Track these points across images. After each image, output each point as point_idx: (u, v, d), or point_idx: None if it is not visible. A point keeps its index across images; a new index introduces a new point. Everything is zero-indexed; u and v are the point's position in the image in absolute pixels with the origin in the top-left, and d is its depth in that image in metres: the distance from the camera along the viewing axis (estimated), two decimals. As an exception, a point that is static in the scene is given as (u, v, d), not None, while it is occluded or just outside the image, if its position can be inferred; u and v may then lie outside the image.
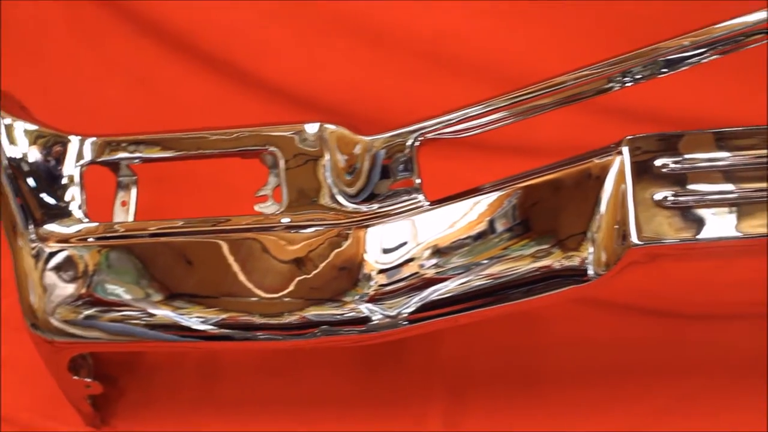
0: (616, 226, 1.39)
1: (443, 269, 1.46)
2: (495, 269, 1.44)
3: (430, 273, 1.47)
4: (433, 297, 1.46)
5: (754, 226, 1.38)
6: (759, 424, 1.65)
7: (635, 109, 1.87)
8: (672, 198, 1.38)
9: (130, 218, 1.57)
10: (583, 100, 1.48)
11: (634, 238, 1.37)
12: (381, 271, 1.47)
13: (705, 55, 1.43)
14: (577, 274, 1.42)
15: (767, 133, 1.40)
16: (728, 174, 1.40)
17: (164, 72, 2.02)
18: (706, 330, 1.76)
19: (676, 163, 1.39)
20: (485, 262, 1.45)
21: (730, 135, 1.40)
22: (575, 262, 1.41)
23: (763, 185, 1.38)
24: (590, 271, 1.41)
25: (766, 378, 1.68)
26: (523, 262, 1.44)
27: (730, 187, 1.39)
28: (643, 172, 1.39)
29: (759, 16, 1.39)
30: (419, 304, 1.46)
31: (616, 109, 1.84)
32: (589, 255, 1.41)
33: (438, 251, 1.47)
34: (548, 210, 1.44)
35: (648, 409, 1.68)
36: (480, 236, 1.46)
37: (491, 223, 1.46)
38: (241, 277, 1.49)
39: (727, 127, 1.41)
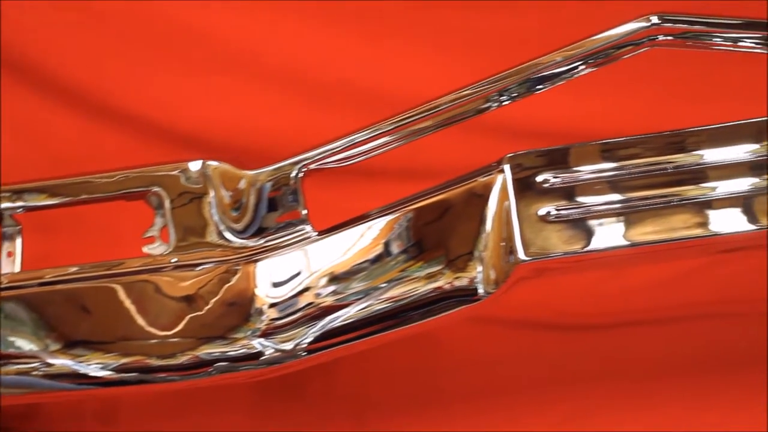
0: (503, 244, 1.40)
1: (342, 296, 1.46)
2: (393, 292, 1.44)
3: (329, 301, 1.46)
4: (334, 324, 1.45)
5: (642, 234, 1.40)
6: (662, 427, 1.67)
7: (518, 126, 1.89)
8: (555, 212, 1.39)
9: (17, 268, 1.54)
10: (463, 120, 1.49)
11: (521, 255, 1.38)
12: (272, 305, 1.46)
13: (579, 69, 1.45)
14: (467, 294, 1.42)
15: (653, 141, 1.42)
16: (614, 184, 1.41)
17: (36, 116, 1.99)
18: (601, 339, 1.78)
19: (558, 177, 1.40)
20: (384, 285, 1.45)
21: (615, 145, 1.42)
22: (465, 282, 1.42)
23: (650, 193, 1.40)
24: (480, 290, 1.42)
25: (664, 382, 1.71)
26: (419, 284, 1.44)
27: (616, 197, 1.41)
28: (525, 188, 1.40)
29: (627, 28, 1.42)
30: (318, 333, 1.46)
31: (499, 127, 1.86)
32: (478, 274, 1.42)
33: (334, 278, 1.46)
34: (437, 231, 1.44)
35: (552, 420, 1.70)
36: (375, 260, 1.45)
37: (385, 246, 1.45)
38: (137, 319, 1.47)
39: (610, 137, 1.43)
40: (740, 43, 1.45)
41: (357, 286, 1.45)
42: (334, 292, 1.46)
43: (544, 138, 1.84)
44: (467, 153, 1.73)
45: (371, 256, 1.46)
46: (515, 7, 1.97)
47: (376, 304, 1.45)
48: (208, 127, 1.96)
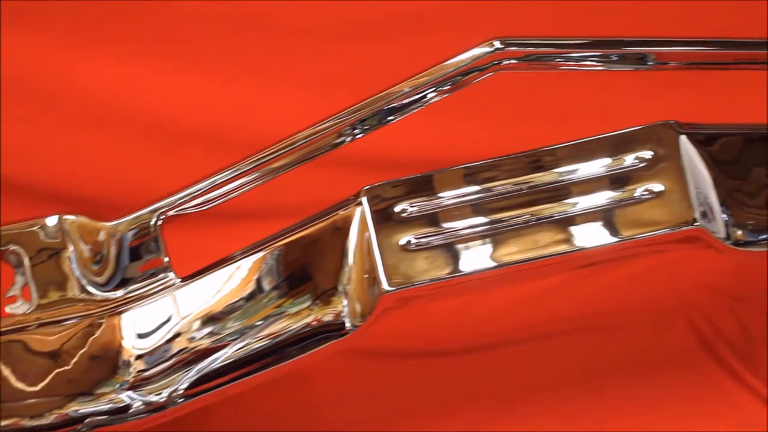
0: (366, 276, 1.40)
1: (218, 337, 1.44)
2: (271, 329, 1.43)
3: (204, 344, 1.45)
4: (213, 366, 1.44)
5: (507, 255, 1.41)
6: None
7: (375, 158, 1.90)
8: (416, 240, 1.40)
9: None
10: (319, 155, 1.49)
11: (384, 285, 1.39)
12: (140, 356, 1.45)
13: (428, 97, 1.47)
14: (335, 329, 1.42)
15: (513, 162, 1.43)
16: (476, 207, 1.42)
17: None
18: (473, 363, 1.80)
19: (416, 206, 1.41)
20: (260, 323, 1.44)
21: (475, 169, 1.43)
22: (331, 317, 1.42)
23: (512, 214, 1.42)
24: (348, 324, 1.42)
25: (536, 399, 1.73)
26: (291, 321, 1.43)
27: (479, 220, 1.42)
28: (384, 219, 1.40)
29: (471, 54, 1.43)
30: (195, 378, 1.44)
31: (356, 160, 1.87)
32: (344, 308, 1.42)
33: (208, 320, 1.45)
34: (302, 268, 1.44)
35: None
36: (249, 298, 1.44)
37: (256, 284, 1.45)
38: (9, 380, 1.44)
39: (472, 161, 1.44)
40: (584, 62, 1.48)
41: (232, 326, 1.44)
42: (209, 334, 1.44)
43: (402, 167, 1.85)
44: (325, 188, 1.72)
45: (244, 294, 1.45)
46: (366, 40, 1.99)
47: (254, 343, 1.44)
48: (64, 180, 1.94)
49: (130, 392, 1.44)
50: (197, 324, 1.45)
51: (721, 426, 1.69)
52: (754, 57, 1.50)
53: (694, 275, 1.84)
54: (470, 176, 1.43)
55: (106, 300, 1.47)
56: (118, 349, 1.45)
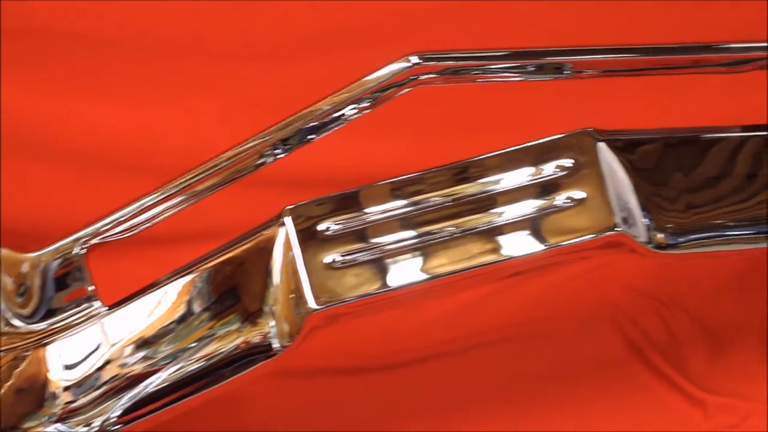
0: (293, 295, 1.40)
1: (151, 361, 1.44)
2: (204, 351, 1.43)
3: (137, 369, 1.44)
4: (147, 391, 1.43)
5: (435, 267, 1.42)
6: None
7: (299, 176, 1.90)
8: (341, 258, 1.40)
9: None
10: (243, 177, 1.49)
11: (311, 304, 1.38)
12: (67, 388, 1.43)
13: (348, 114, 1.47)
14: (263, 350, 1.42)
15: (439, 175, 1.44)
16: (403, 221, 1.43)
17: None
18: (405, 377, 1.80)
19: (340, 223, 1.42)
20: (193, 345, 1.44)
21: (400, 183, 1.43)
22: (259, 338, 1.42)
23: (439, 226, 1.42)
24: (276, 345, 1.42)
25: (471, 411, 1.74)
26: (222, 343, 1.43)
27: (406, 233, 1.42)
28: (308, 238, 1.40)
29: (388, 70, 1.43)
30: (129, 404, 1.43)
31: (279, 180, 1.87)
32: (271, 329, 1.42)
33: (139, 345, 1.44)
34: (230, 290, 1.44)
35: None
36: (181, 320, 1.44)
37: (187, 307, 1.44)
38: (-62, 418, 1.43)
39: (395, 176, 1.45)
40: (502, 74, 1.49)
41: (165, 349, 1.44)
42: (142, 359, 1.44)
43: (326, 185, 1.86)
44: (251, 209, 1.72)
45: (176, 317, 1.44)
46: (283, 60, 2.00)
47: (188, 365, 1.44)
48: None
49: (58, 425, 1.43)
50: (128, 350, 1.44)
51: (652, 427, 1.70)
52: (668, 62, 1.53)
53: (620, 280, 1.86)
54: (395, 191, 1.44)
55: (31, 332, 1.46)
56: (45, 382, 1.43)
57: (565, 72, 1.49)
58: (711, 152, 1.49)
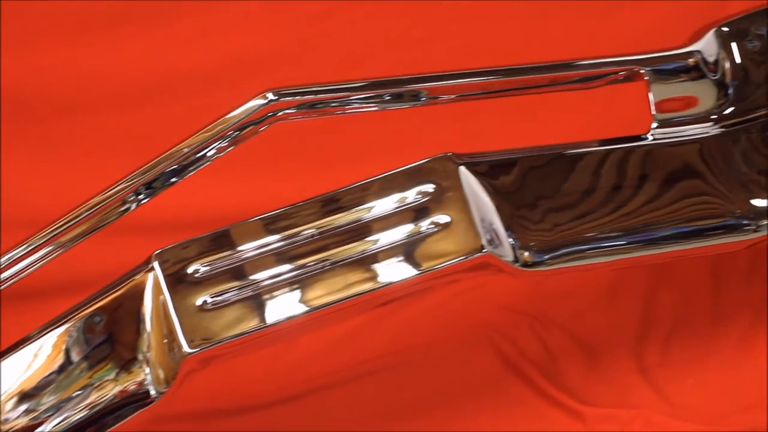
0: (166, 340, 1.39)
1: (34, 414, 1.42)
2: (88, 400, 1.42)
3: (20, 423, 1.41)
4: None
5: (311, 300, 1.42)
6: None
7: (169, 219, 1.89)
8: (212, 299, 1.40)
9: None
10: (109, 224, 1.48)
11: (185, 348, 1.38)
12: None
13: (209, 155, 1.46)
14: (140, 398, 1.41)
15: (309, 207, 1.44)
16: (275, 257, 1.43)
17: None
18: (287, 413, 1.79)
19: (210, 264, 1.41)
20: (78, 393, 1.42)
21: (270, 219, 1.44)
22: (135, 386, 1.40)
23: (314, 258, 1.43)
24: (152, 392, 1.40)
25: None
26: (103, 392, 1.42)
27: (280, 268, 1.42)
28: (178, 281, 1.40)
29: (245, 107, 1.43)
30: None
31: (151, 223, 1.86)
32: (146, 376, 1.40)
33: (20, 399, 1.42)
34: (104, 339, 1.43)
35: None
36: (60, 371, 1.42)
37: (65, 357, 1.43)
38: None
39: (262, 213, 1.45)
40: (359, 105, 1.50)
41: (48, 400, 1.42)
42: (24, 413, 1.42)
43: (194, 227, 1.85)
44: (119, 256, 1.71)
45: (55, 368, 1.42)
46: (139, 106, 1.99)
47: (73, 415, 1.42)
48: None
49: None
50: (10, 405, 1.42)
51: (535, 442, 1.72)
52: (524, 82, 1.55)
53: (494, 299, 1.87)
54: (264, 227, 1.44)
55: None
56: None
57: (422, 99, 1.51)
58: (573, 168, 1.52)
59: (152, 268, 1.40)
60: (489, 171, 1.47)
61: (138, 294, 1.41)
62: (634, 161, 1.53)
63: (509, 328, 1.84)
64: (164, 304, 1.39)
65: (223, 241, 1.43)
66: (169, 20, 1.99)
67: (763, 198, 1.52)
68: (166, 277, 1.40)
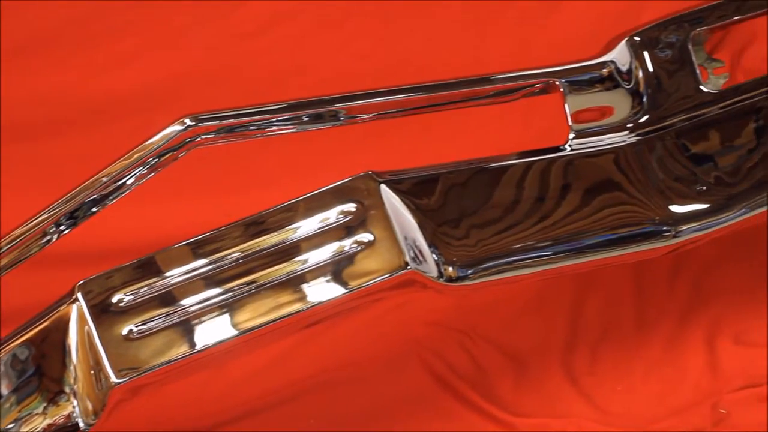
0: (93, 371, 1.38)
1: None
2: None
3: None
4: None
5: (240, 323, 1.42)
6: None
7: (93, 249, 1.88)
8: (139, 328, 1.39)
9: None
10: (30, 256, 1.46)
11: (112, 378, 1.37)
12: None
13: (130, 183, 1.45)
14: (69, 431, 1.40)
15: (235, 231, 1.45)
16: (204, 281, 1.43)
17: None
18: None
19: (135, 292, 1.41)
20: (11, 426, 1.41)
21: (197, 243, 1.44)
22: (63, 419, 1.39)
23: (243, 281, 1.43)
24: (81, 424, 1.39)
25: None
26: (32, 425, 1.41)
27: (207, 293, 1.42)
28: (102, 312, 1.39)
29: (163, 134, 1.43)
30: None
31: (75, 254, 1.84)
32: (75, 408, 1.39)
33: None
34: (31, 373, 1.42)
35: None
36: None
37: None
38: None
39: (190, 237, 1.45)
40: (278, 127, 1.50)
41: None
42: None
43: (119, 255, 1.84)
44: (43, 289, 1.70)
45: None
46: (53, 136, 1.99)
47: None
48: None
49: None
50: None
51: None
52: (442, 99, 1.56)
53: (422, 316, 1.87)
54: (189, 252, 1.44)
55: None
56: None
57: (341, 119, 1.52)
58: (495, 182, 1.53)
59: (76, 299, 1.40)
60: (411, 188, 1.48)
61: (63, 326, 1.40)
62: (554, 173, 1.55)
63: (438, 343, 1.85)
64: (90, 335, 1.38)
65: (147, 268, 1.42)
66: (97, 43, 1.99)
67: (680, 204, 1.55)
68: (90, 307, 1.39)
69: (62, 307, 1.41)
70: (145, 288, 1.41)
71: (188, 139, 1.44)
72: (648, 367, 1.80)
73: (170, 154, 1.44)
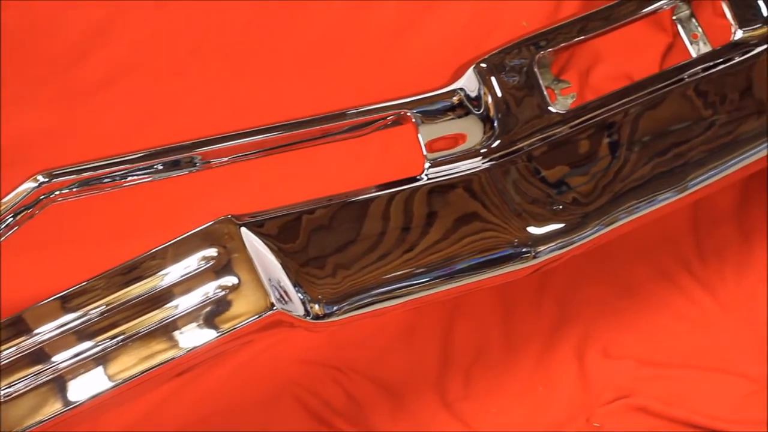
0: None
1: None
2: None
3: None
4: None
5: (116, 374, 1.41)
6: None
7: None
8: (5, 390, 1.38)
9: None
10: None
11: (-9, 440, 1.35)
12: None
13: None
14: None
15: (107, 280, 1.45)
16: (77, 334, 1.42)
17: None
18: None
19: (1, 353, 1.39)
20: None
21: (70, 296, 1.44)
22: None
23: (115, 331, 1.42)
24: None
25: None
26: None
27: (82, 346, 1.42)
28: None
29: (15, 192, 1.42)
30: None
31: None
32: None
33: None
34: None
35: None
36: None
37: None
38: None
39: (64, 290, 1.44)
40: (134, 177, 1.49)
41: None
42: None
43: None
44: None
45: None
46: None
47: None
48: None
49: None
50: None
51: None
52: (297, 137, 1.57)
53: (294, 354, 1.87)
54: (56, 308, 1.43)
55: None
56: None
57: (197, 164, 1.51)
58: (355, 216, 1.55)
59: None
60: (271, 229, 1.48)
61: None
62: (410, 204, 1.56)
63: (312, 381, 1.84)
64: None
65: (13, 327, 1.41)
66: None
67: (537, 225, 1.58)
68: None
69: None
70: (12, 348, 1.39)
71: (42, 196, 1.43)
72: (521, 387, 1.82)
73: (25, 212, 1.43)
